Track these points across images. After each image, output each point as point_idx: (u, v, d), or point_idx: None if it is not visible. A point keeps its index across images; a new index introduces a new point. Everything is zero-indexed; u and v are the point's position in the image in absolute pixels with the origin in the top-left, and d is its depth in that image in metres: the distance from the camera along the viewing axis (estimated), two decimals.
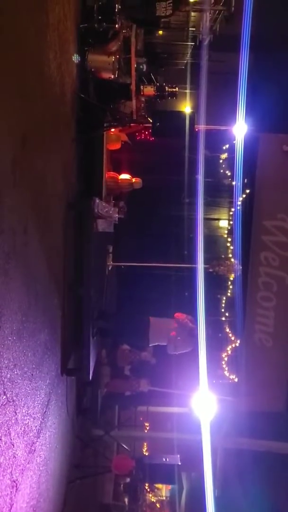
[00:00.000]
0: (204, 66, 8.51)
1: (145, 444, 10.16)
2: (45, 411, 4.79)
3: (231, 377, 8.91)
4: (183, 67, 11.62)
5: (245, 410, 9.12)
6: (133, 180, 8.31)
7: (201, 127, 8.29)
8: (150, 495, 13.96)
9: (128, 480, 10.45)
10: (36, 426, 4.42)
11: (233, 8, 9.08)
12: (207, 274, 7.76)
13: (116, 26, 6.24)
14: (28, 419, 4.14)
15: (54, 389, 5.20)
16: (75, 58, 5.81)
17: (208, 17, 9.86)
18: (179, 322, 6.71)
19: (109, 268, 8.15)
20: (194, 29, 10.25)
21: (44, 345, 4.68)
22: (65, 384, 5.87)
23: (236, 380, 8.96)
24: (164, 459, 7.64)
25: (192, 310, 7.38)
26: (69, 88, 5.67)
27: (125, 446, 8.55)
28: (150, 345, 6.91)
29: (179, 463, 7.68)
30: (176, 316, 6.81)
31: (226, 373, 8.87)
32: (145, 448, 9.96)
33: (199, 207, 7.96)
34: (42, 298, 4.56)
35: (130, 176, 8.31)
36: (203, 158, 7.99)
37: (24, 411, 4.00)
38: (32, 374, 4.21)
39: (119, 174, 8.28)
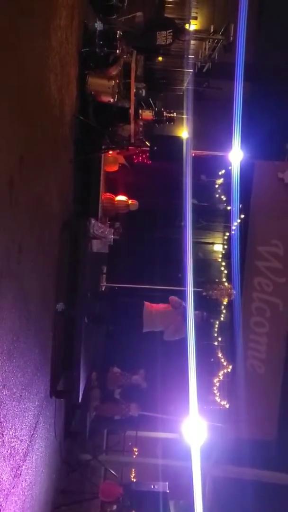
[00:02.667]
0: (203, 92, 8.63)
1: (133, 470, 9.96)
2: (32, 434, 4.70)
3: (223, 403, 8.80)
4: (181, 93, 11.81)
5: (236, 437, 8.99)
6: (129, 202, 8.35)
7: (197, 152, 8.39)
8: None
9: (115, 507, 10.20)
10: (23, 449, 4.33)
11: (231, 38, 9.28)
12: (201, 298, 7.74)
13: (117, 51, 6.37)
14: (15, 441, 4.06)
15: (42, 411, 5.11)
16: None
17: (207, 46, 10.07)
18: (173, 305, 6.67)
19: (103, 289, 8.12)
20: (193, 56, 10.44)
21: (34, 366, 4.62)
22: (54, 406, 5.77)
23: (227, 406, 8.85)
24: (152, 486, 7.49)
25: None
26: (69, 110, 5.74)
27: (112, 472, 8.36)
28: (144, 331, 6.75)
29: (168, 491, 7.52)
30: (170, 299, 6.79)
31: (218, 399, 8.76)
32: (133, 474, 9.75)
33: (187, 229, 7.98)
34: (34, 319, 4.52)
35: (126, 198, 8.35)
36: (190, 181, 8.05)
37: (11, 433, 3.92)
38: (21, 395, 4.15)
39: (116, 195, 8.32)
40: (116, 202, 8.25)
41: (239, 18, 7.26)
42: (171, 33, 6.93)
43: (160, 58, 10.07)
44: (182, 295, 7.93)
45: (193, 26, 9.74)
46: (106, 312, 6.71)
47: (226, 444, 8.90)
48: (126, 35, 6.54)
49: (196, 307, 6.94)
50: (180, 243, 9.43)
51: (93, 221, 6.16)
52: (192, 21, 9.63)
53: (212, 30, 10.09)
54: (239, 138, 8.16)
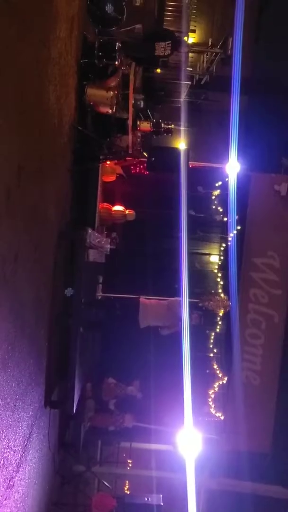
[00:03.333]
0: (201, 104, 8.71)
1: (127, 482, 9.87)
2: (26, 444, 4.65)
3: (218, 414, 8.76)
4: (179, 105, 11.90)
5: (230, 449, 8.93)
6: (126, 212, 8.37)
7: (194, 163, 8.44)
8: None
9: None
10: (16, 460, 4.29)
11: (229, 51, 9.38)
12: (197, 309, 7.73)
13: (116, 63, 6.42)
14: (8, 452, 4.02)
15: (36, 421, 5.07)
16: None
17: (205, 59, 10.17)
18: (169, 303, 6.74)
19: (98, 299, 8.10)
20: (191, 69, 10.55)
21: (29, 375, 4.59)
22: (48, 417, 5.73)
23: (222, 418, 8.80)
24: (146, 499, 7.41)
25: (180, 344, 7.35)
26: (67, 120, 5.77)
27: (106, 484, 8.29)
28: (141, 326, 6.83)
29: (161, 504, 7.45)
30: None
31: (213, 411, 8.72)
32: (127, 486, 9.66)
33: (182, 239, 8.00)
34: (29, 328, 4.50)
35: (123, 208, 8.38)
36: (186, 192, 8.10)
37: (4, 443, 3.89)
38: (15, 405, 4.12)
39: (113, 205, 8.34)
40: (113, 212, 8.27)
41: (235, 32, 7.36)
42: (170, 45, 7.00)
43: (158, 70, 10.17)
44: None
45: (191, 39, 9.86)
46: (101, 317, 6.78)
47: (221, 457, 8.84)
48: (125, 46, 6.60)
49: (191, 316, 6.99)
50: (177, 254, 9.45)
51: (90, 231, 6.16)
52: (190, 34, 9.75)
53: (210, 43, 10.20)
54: (236, 150, 8.22)
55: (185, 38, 8.82)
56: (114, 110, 6.46)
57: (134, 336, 8.06)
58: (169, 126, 7.35)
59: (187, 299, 7.40)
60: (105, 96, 6.32)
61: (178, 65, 10.51)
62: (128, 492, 8.77)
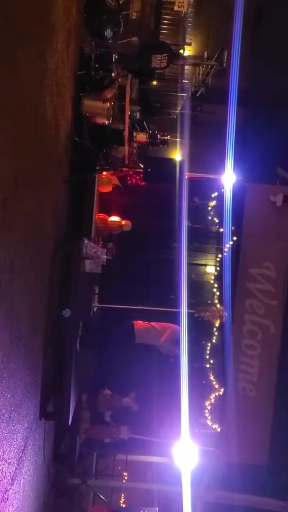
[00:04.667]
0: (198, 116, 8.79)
1: (122, 495, 9.76)
2: (21, 456, 4.60)
3: (214, 426, 8.70)
4: (175, 117, 11.99)
5: (227, 461, 8.86)
6: (123, 222, 8.39)
7: (190, 174, 8.47)
8: None
9: None
10: (10, 472, 4.24)
11: (225, 64, 9.49)
12: (193, 320, 7.71)
13: (112, 74, 6.48)
14: (3, 464, 3.98)
15: (31, 433, 5.02)
16: None
17: (201, 71, 10.28)
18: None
19: (94, 310, 8.07)
20: (187, 81, 10.65)
21: (24, 386, 4.56)
22: (43, 429, 5.68)
23: (219, 430, 8.74)
24: None
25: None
26: (64, 131, 5.80)
27: (101, 497, 8.19)
28: (137, 341, 6.86)
29: None
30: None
31: (209, 422, 8.66)
32: (123, 499, 9.55)
33: (182, 250, 8.01)
34: (25, 338, 4.48)
35: (119, 219, 8.39)
36: (185, 203, 8.13)
37: None
38: (10, 417, 4.08)
39: (109, 216, 8.35)
40: (109, 223, 8.28)
41: (233, 46, 7.44)
42: (166, 57, 7.08)
43: (154, 82, 10.26)
44: (174, 316, 7.94)
45: (187, 51, 9.96)
46: (97, 340, 6.82)
47: (217, 469, 8.76)
48: (121, 58, 6.66)
49: (188, 329, 6.98)
50: (173, 264, 9.45)
51: (86, 241, 6.17)
52: (186, 47, 9.85)
53: (206, 56, 10.32)
54: (232, 161, 8.27)
55: (181, 51, 8.90)
56: (110, 121, 6.50)
57: (130, 349, 8.04)
58: (165, 138, 7.39)
59: (186, 310, 7.42)
60: (102, 107, 6.36)
61: (174, 77, 10.62)
62: (124, 505, 8.68)
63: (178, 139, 10.10)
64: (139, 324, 7.14)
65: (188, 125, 10.53)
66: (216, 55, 9.91)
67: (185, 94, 10.58)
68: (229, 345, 8.86)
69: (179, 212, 8.32)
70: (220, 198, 8.68)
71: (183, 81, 10.50)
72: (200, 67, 10.62)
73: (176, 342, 7.04)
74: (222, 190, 8.63)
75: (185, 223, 8.17)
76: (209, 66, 10.17)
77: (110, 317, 8.55)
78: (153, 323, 7.32)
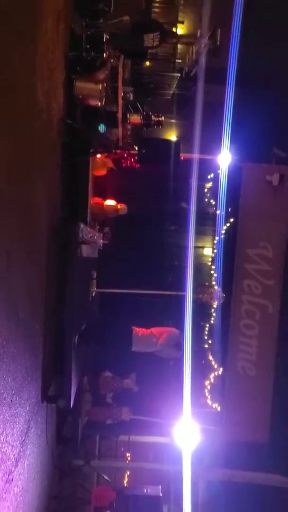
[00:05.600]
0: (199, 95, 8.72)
1: (126, 474, 9.92)
2: (24, 439, 4.66)
3: (214, 405, 8.80)
4: (169, 98, 11.88)
5: (228, 440, 8.98)
6: (119, 206, 8.36)
7: (185, 155, 8.42)
8: None
9: None
10: (14, 455, 4.30)
11: (218, 42, 9.36)
12: (191, 302, 7.75)
13: (104, 55, 6.39)
14: (6, 447, 4.03)
15: (33, 416, 5.08)
16: None
17: (194, 50, 10.14)
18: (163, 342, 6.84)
19: (93, 295, 8.10)
20: (180, 61, 10.53)
21: (25, 370, 4.59)
22: (45, 412, 5.74)
23: (219, 409, 8.85)
24: (145, 490, 7.46)
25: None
26: (56, 114, 5.74)
27: (105, 477, 8.32)
28: (133, 349, 6.95)
29: (160, 495, 7.50)
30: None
31: (209, 402, 8.76)
32: (126, 479, 9.71)
33: (190, 234, 8.01)
34: (24, 323, 4.50)
35: (115, 202, 8.36)
36: (195, 185, 8.11)
37: (2, 438, 3.89)
38: (11, 400, 4.12)
39: (104, 200, 8.32)
40: (105, 207, 8.26)
41: (233, 22, 7.34)
42: (159, 36, 6.98)
43: (147, 63, 10.15)
44: (173, 299, 7.99)
45: (179, 30, 9.82)
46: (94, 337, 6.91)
47: (219, 447, 8.89)
48: (113, 38, 6.57)
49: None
50: (171, 247, 9.47)
51: (82, 226, 6.14)
52: (178, 25, 9.71)
53: (199, 34, 10.17)
54: (228, 142, 8.22)
55: (174, 29, 8.77)
56: (103, 103, 6.43)
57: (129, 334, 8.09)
58: (159, 119, 7.32)
59: (191, 293, 7.47)
60: (94, 89, 6.28)
61: (167, 57, 10.50)
62: (127, 485, 8.82)
63: (172, 120, 10.02)
64: (137, 331, 7.23)
65: (182, 105, 10.44)
66: (209, 34, 9.75)
67: (178, 74, 10.47)
68: (228, 325, 8.92)
69: (183, 194, 8.32)
70: (217, 179, 8.65)
71: (176, 61, 10.39)
72: (193, 46, 10.47)
73: (175, 345, 7.13)
74: (218, 171, 8.60)
75: (185, 206, 8.17)
76: (203, 45, 10.02)
77: (110, 302, 8.59)
78: (152, 329, 7.42)
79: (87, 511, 9.17)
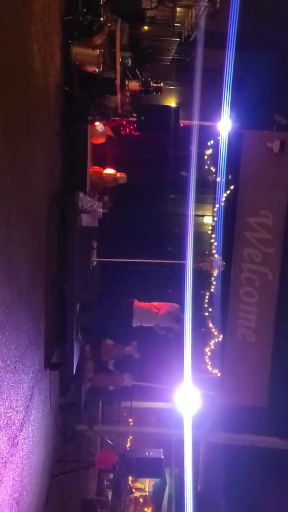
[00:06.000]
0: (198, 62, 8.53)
1: (128, 439, 10.18)
2: (28, 405, 4.77)
3: (214, 371, 8.96)
4: (168, 63, 11.62)
5: (228, 404, 9.18)
6: (118, 175, 8.30)
7: (185, 122, 8.31)
8: (134, 490, 14.00)
9: (111, 475, 10.44)
10: (19, 420, 4.41)
11: (218, 5, 9.09)
12: (191, 270, 7.78)
13: (101, 19, 6.22)
14: (11, 412, 4.13)
15: (37, 383, 5.18)
16: None
17: (194, 14, 9.86)
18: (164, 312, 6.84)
19: (93, 264, 8.12)
20: (179, 25, 10.25)
21: (28, 338, 4.66)
22: (49, 379, 5.85)
23: (219, 375, 9.01)
24: (147, 453, 7.68)
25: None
26: (53, 81, 5.64)
27: (108, 441, 8.55)
28: (134, 325, 6.99)
29: (162, 457, 7.72)
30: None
31: (209, 368, 8.91)
32: (129, 443, 9.98)
33: (190, 203, 7.97)
34: (26, 292, 4.54)
35: (114, 171, 8.29)
36: (195, 152, 8.02)
37: (7, 404, 3.98)
38: (15, 367, 4.19)
39: (104, 168, 8.25)
40: (104, 175, 8.19)
41: None
42: None
43: (145, 27, 9.89)
44: (173, 268, 8.02)
45: None
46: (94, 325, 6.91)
47: (219, 412, 9.09)
48: (110, 0, 6.37)
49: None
50: (170, 216, 9.44)
51: (81, 195, 6.11)
52: None
53: None
54: (228, 108, 8.10)
55: None
56: (101, 69, 6.29)
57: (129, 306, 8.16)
58: (158, 85, 7.18)
59: (191, 262, 7.49)
60: (91, 55, 6.14)
61: (166, 21, 10.21)
62: (130, 448, 9.06)
63: (172, 86, 9.83)
64: (138, 304, 7.23)
65: (182, 71, 10.23)
66: None
67: (177, 39, 10.21)
68: (228, 293, 8.99)
69: (183, 162, 8.23)
70: (216, 146, 8.55)
71: (175, 25, 10.11)
72: (193, 9, 10.16)
73: (176, 319, 7.14)
74: (218, 138, 8.49)
75: (185, 174, 8.09)
76: (202, 8, 9.73)
77: (110, 272, 8.63)
78: (153, 303, 7.44)
79: (91, 474, 9.46)
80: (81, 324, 6.28)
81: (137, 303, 7.39)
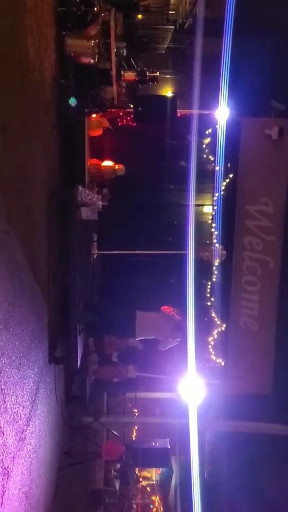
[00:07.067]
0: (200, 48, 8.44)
1: (134, 429, 10.25)
2: (34, 400, 4.79)
3: (218, 361, 8.99)
4: (163, 52, 11.52)
5: (233, 393, 9.23)
6: (116, 167, 8.26)
7: (182, 111, 8.25)
8: (141, 479, 14.15)
9: (118, 465, 10.52)
10: (25, 414, 4.43)
11: None
12: (193, 260, 7.78)
13: (95, 9, 6.14)
14: (17, 407, 4.14)
15: (42, 377, 5.19)
16: None
17: (188, 0, 9.77)
18: (165, 316, 6.59)
19: (94, 257, 8.12)
20: (174, 12, 10.15)
21: (32, 333, 4.67)
22: (53, 373, 5.87)
23: (223, 363, 9.04)
24: (153, 443, 7.72)
25: (178, 297, 7.44)
26: (49, 74, 5.59)
27: (114, 432, 8.60)
28: (137, 339, 6.83)
29: (168, 447, 7.77)
30: (162, 309, 6.70)
31: (213, 357, 8.94)
32: (135, 434, 10.04)
33: (190, 193, 7.95)
34: (28, 287, 4.54)
35: (113, 163, 8.25)
36: (194, 142, 7.97)
37: (13, 399, 4.00)
38: (20, 363, 4.20)
39: (102, 161, 8.21)
40: (102, 168, 8.16)
41: None
42: None
43: (139, 16, 9.79)
44: (174, 258, 8.01)
45: None
46: (98, 326, 6.76)
47: (224, 400, 9.14)
48: None
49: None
50: (170, 207, 9.42)
51: (80, 188, 6.08)
52: None
53: None
54: (226, 95, 8.04)
55: None
56: (96, 60, 6.22)
57: (133, 291, 8.17)
58: (154, 74, 7.10)
59: (192, 252, 7.45)
60: (86, 46, 6.07)
61: (160, 9, 10.11)
62: (136, 439, 9.12)
63: (168, 75, 9.75)
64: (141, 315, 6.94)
65: (177, 59, 10.14)
66: None
67: (172, 27, 10.11)
68: (230, 282, 8.99)
69: (181, 152, 8.17)
70: (215, 134, 8.50)
71: (170, 12, 10.01)
72: None
73: (179, 328, 6.84)
74: (216, 126, 8.44)
75: (184, 164, 8.05)
76: None
77: (111, 264, 8.62)
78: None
79: (98, 465, 9.53)
80: (84, 318, 6.26)
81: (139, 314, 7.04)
